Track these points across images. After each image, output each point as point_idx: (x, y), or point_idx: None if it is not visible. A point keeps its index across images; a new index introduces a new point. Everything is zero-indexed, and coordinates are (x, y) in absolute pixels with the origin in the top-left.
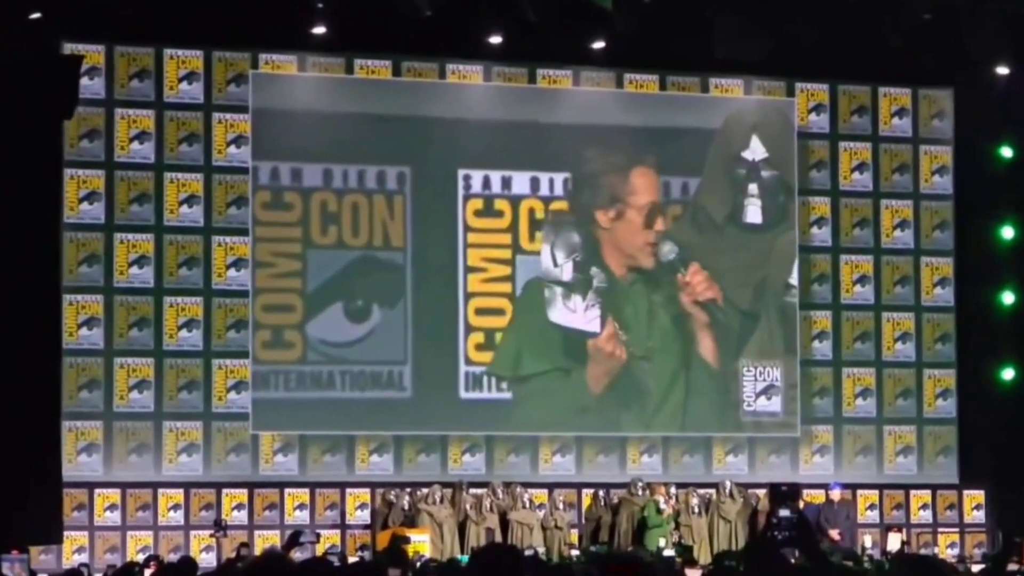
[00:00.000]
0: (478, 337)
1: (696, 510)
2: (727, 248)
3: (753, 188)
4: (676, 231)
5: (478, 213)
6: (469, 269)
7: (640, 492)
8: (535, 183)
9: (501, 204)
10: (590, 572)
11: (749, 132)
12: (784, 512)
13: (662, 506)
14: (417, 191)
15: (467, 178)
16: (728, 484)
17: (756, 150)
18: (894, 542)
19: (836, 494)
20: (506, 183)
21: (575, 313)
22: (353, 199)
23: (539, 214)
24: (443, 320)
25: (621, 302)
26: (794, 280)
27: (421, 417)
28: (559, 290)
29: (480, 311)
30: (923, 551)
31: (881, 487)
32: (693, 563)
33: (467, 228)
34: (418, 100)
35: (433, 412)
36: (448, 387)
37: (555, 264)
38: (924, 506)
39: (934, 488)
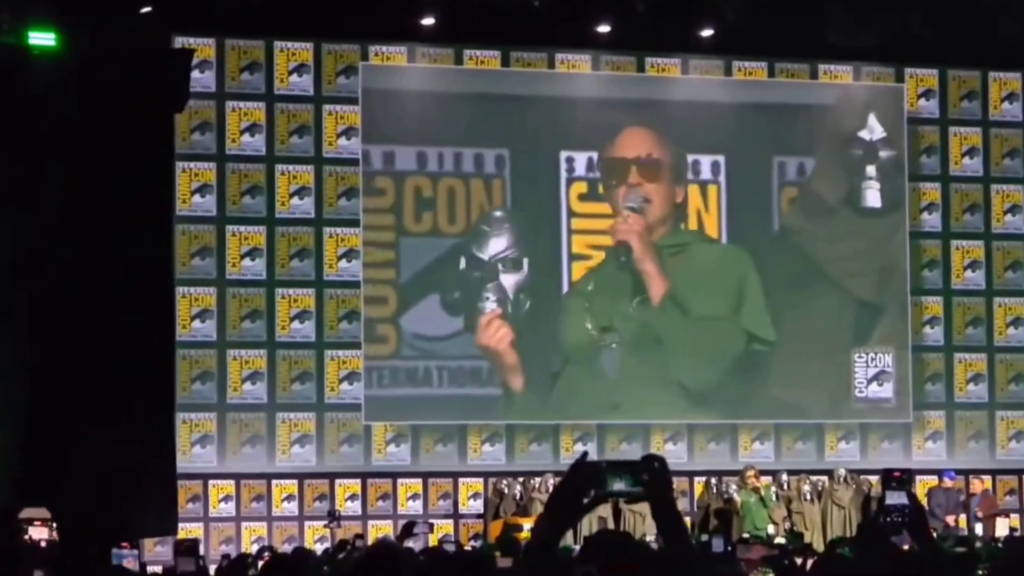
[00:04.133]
0: None
1: (808, 497)
2: (842, 234)
3: (871, 170)
4: (790, 214)
5: (582, 197)
6: (573, 257)
7: (748, 480)
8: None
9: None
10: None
11: (865, 110)
12: (895, 498)
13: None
14: (517, 174)
15: (570, 160)
16: (842, 471)
17: (874, 129)
18: (1002, 527)
19: (949, 482)
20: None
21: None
22: (449, 183)
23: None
24: (546, 311)
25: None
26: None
27: (525, 414)
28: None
29: None
30: None
31: (994, 472)
32: (804, 550)
33: (571, 213)
34: (527, 89)
35: (537, 408)
36: (552, 381)
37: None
38: None
39: None
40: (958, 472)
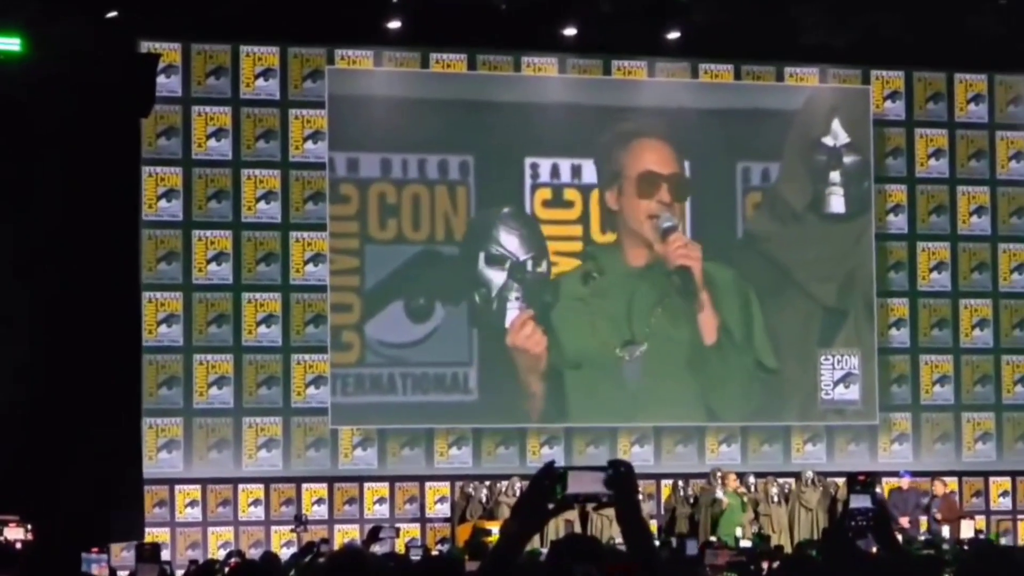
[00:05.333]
0: None
1: (776, 499)
2: (808, 239)
3: (835, 176)
4: (755, 220)
5: (546, 203)
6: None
7: (717, 483)
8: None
9: (571, 194)
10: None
11: (829, 116)
12: (859, 502)
13: (718, 495)
14: (481, 180)
15: (535, 166)
16: (809, 473)
17: (838, 135)
18: (967, 530)
19: (905, 482)
20: (576, 171)
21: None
22: (413, 190)
23: (612, 203)
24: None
25: (627, 292)
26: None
27: (489, 421)
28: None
29: None
30: (1003, 539)
31: (960, 474)
32: (770, 553)
33: (535, 220)
34: (493, 93)
35: (502, 415)
36: (517, 388)
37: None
38: (1004, 493)
39: (1014, 475)
40: (923, 474)
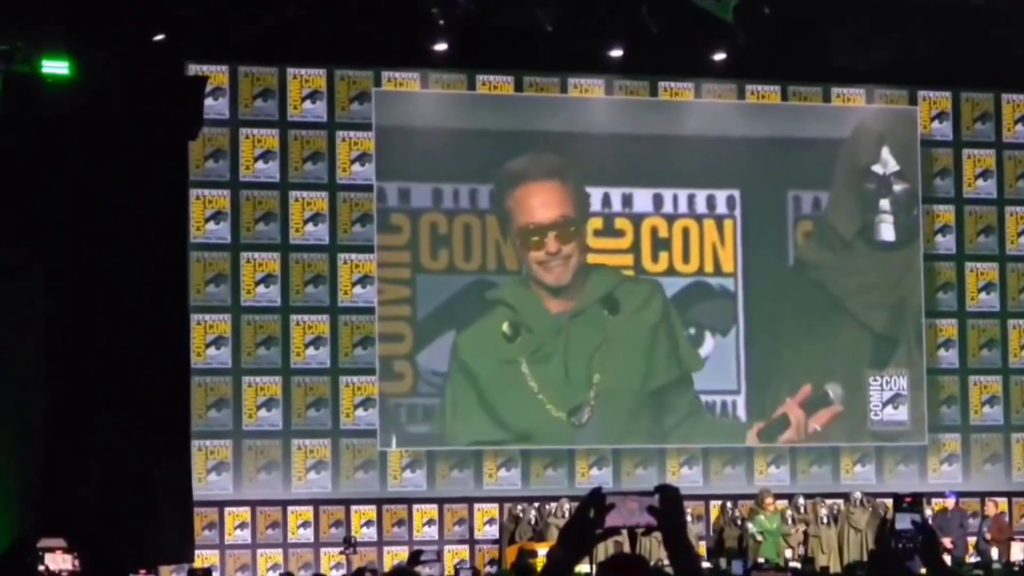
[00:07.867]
0: None
1: (825, 520)
2: (858, 267)
3: (884, 204)
4: (806, 248)
5: (597, 232)
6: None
7: (763, 505)
8: (658, 200)
9: (622, 223)
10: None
11: (878, 144)
12: (906, 523)
13: (763, 521)
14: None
15: (586, 196)
16: (858, 494)
17: (887, 163)
18: (1017, 552)
19: (951, 502)
20: (627, 200)
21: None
22: (465, 220)
23: (662, 232)
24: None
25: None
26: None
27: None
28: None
29: None
30: None
31: (1010, 495)
32: (817, 575)
33: (586, 248)
34: (541, 122)
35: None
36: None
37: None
38: None
39: None
40: (973, 495)
